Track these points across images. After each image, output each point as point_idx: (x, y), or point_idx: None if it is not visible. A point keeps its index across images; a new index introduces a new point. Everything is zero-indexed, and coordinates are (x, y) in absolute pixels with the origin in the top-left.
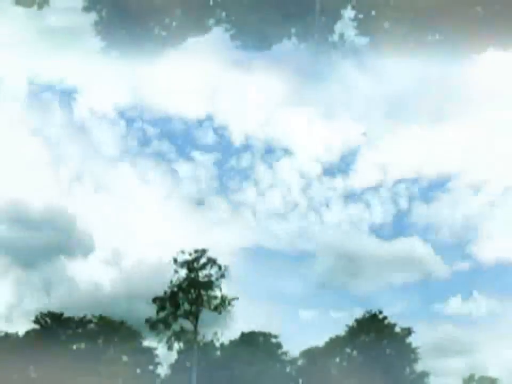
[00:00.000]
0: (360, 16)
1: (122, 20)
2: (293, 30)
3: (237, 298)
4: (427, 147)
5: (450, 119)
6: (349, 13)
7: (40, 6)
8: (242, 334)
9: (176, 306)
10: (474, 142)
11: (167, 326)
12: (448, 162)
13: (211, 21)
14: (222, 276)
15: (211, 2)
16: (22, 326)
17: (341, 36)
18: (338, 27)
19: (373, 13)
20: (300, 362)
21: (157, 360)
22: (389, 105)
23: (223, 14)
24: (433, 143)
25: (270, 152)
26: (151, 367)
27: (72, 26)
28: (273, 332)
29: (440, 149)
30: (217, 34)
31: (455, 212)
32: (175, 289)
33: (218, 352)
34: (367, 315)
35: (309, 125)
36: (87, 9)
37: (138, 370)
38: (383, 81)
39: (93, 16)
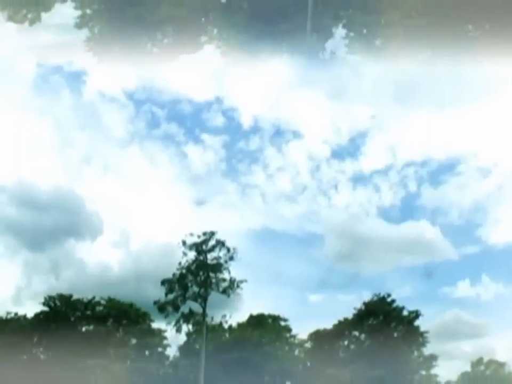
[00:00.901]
0: (352, 34)
1: (114, 37)
2: (285, 48)
3: (246, 281)
4: (436, 130)
5: (459, 102)
6: (340, 31)
7: (32, 22)
8: (251, 317)
9: (185, 288)
10: (483, 126)
11: (176, 308)
12: (457, 146)
13: (203, 38)
14: (231, 258)
15: (203, 20)
16: (31, 308)
17: (333, 53)
18: (329, 44)
19: (364, 31)
20: (307, 345)
21: (165, 342)
22: (398, 88)
23: (215, 31)
24: (442, 127)
25: (279, 134)
26: (159, 349)
27: (64, 42)
28: (282, 315)
29: (450, 132)
30: (209, 51)
31: (464, 195)
32: (184, 271)
33: (227, 335)
34: (375, 298)
35: (317, 108)
36: (79, 25)
37: (147, 352)
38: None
39: (85, 32)
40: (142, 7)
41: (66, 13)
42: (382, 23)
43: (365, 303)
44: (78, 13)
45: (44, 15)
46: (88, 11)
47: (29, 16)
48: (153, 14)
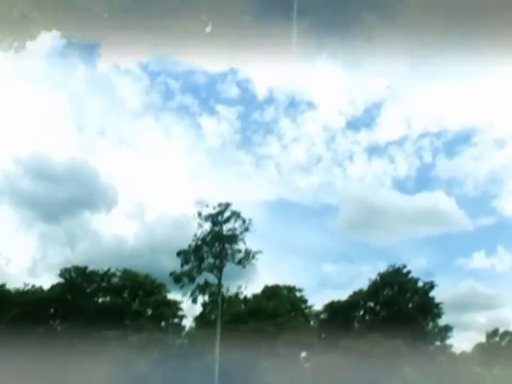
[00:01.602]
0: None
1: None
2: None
3: (261, 252)
4: (452, 101)
5: (475, 73)
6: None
7: (17, 50)
8: (266, 288)
9: (201, 259)
10: (499, 97)
11: (191, 279)
12: (473, 117)
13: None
14: (246, 229)
15: (188, 50)
16: (47, 280)
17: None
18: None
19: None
20: (323, 315)
21: (181, 313)
22: (413, 58)
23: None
24: (458, 97)
25: (294, 105)
26: (175, 320)
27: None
28: (297, 286)
29: (465, 103)
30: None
31: (479, 166)
32: (199, 242)
33: (242, 306)
34: (390, 269)
35: (332, 78)
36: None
37: (162, 323)
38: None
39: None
40: (128, 36)
41: (52, 41)
42: (366, 51)
43: (380, 274)
44: (63, 41)
45: (29, 43)
46: (73, 40)
47: (15, 44)
48: (140, 43)
